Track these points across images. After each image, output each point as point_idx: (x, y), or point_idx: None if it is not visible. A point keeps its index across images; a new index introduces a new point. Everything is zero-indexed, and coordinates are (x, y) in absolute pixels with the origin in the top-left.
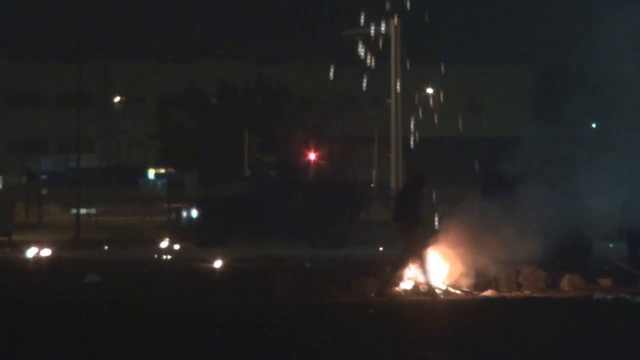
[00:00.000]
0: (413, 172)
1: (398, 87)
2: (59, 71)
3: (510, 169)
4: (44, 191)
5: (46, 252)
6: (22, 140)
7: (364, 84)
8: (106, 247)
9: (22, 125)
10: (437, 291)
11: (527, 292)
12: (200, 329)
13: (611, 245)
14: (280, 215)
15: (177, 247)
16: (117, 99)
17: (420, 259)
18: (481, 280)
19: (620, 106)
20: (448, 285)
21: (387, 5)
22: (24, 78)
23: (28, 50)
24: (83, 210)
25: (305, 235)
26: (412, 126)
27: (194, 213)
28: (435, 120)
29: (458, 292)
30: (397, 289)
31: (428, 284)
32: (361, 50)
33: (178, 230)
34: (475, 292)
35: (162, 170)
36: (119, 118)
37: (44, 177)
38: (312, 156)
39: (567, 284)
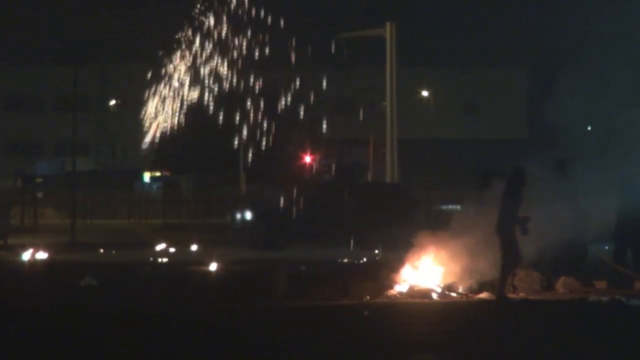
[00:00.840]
0: (512, 168)
1: (394, 90)
2: (55, 74)
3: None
4: (40, 194)
5: (42, 255)
6: (19, 144)
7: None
8: (102, 250)
9: (18, 129)
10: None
11: (522, 295)
12: (192, 333)
13: (606, 248)
14: (336, 218)
15: (172, 249)
16: (112, 102)
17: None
18: (476, 283)
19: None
20: (444, 288)
21: (383, 8)
22: (21, 81)
23: (24, 53)
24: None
25: (360, 239)
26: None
27: (248, 215)
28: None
29: (453, 294)
30: (392, 291)
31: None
32: (357, 53)
33: (236, 233)
34: (470, 295)
35: (158, 174)
36: (115, 121)
37: (39, 180)
38: (307, 159)
39: (563, 287)
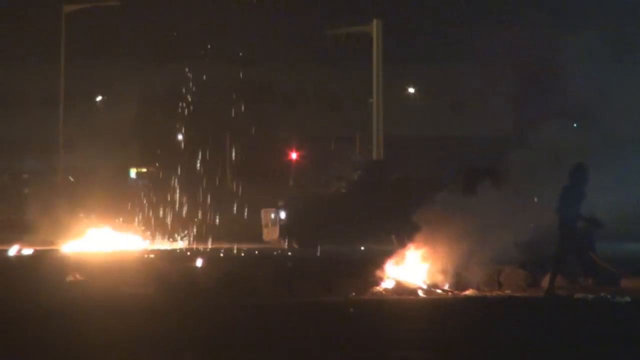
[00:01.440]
0: (573, 164)
1: (380, 86)
2: (41, 71)
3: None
4: (26, 190)
5: (28, 251)
6: (5, 140)
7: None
8: (88, 246)
9: (4, 125)
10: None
11: (508, 292)
12: (178, 329)
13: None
14: (370, 214)
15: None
16: (99, 98)
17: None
18: (462, 280)
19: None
20: (429, 285)
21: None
22: (6, 79)
23: (10, 50)
24: None
25: (395, 235)
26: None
27: (282, 213)
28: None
29: (439, 291)
30: (378, 288)
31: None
32: (344, 49)
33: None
34: (455, 291)
35: (144, 170)
36: (101, 118)
37: (26, 176)
38: (293, 155)
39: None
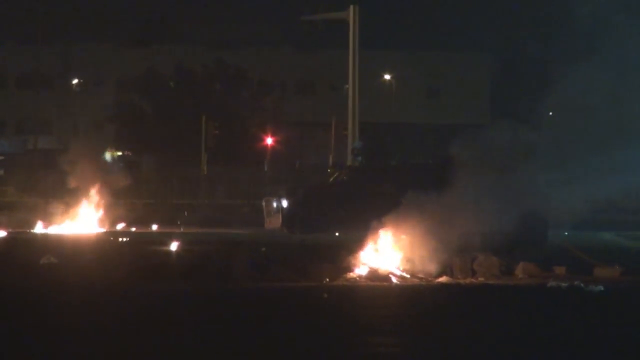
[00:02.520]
0: None
1: (356, 73)
2: (18, 53)
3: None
4: (1, 172)
5: (1, 234)
6: None
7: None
8: (62, 230)
9: None
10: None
11: (481, 279)
12: (153, 312)
13: (566, 234)
14: (372, 201)
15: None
16: (75, 81)
17: None
18: (436, 267)
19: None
20: (403, 271)
21: None
22: None
23: None
24: None
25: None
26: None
27: (285, 202)
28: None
29: (413, 278)
30: (352, 274)
31: None
32: (320, 35)
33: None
34: (430, 278)
35: (119, 153)
36: (78, 100)
37: (0, 158)
38: (269, 140)
39: (522, 272)
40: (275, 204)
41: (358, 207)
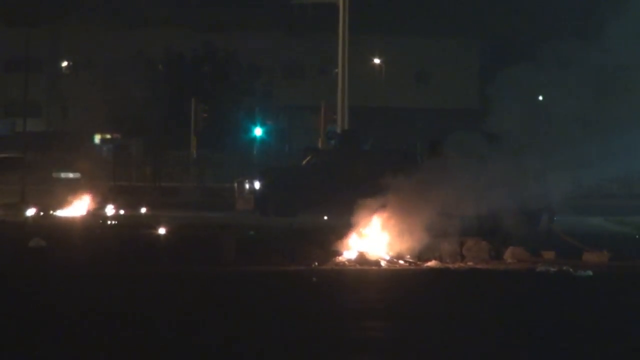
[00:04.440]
0: None
1: (346, 57)
2: (6, 35)
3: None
4: None
5: None
6: None
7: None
8: (52, 212)
9: None
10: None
11: (470, 264)
12: (141, 296)
13: (555, 219)
14: (343, 185)
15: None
16: (64, 64)
17: None
18: (425, 251)
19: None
20: (392, 256)
21: None
22: None
23: None
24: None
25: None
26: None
27: (257, 184)
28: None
29: (402, 262)
30: (341, 258)
31: None
32: (309, 19)
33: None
34: (419, 263)
35: (108, 136)
36: (67, 83)
37: None
38: (258, 124)
39: (511, 256)
40: (247, 186)
41: (327, 191)
